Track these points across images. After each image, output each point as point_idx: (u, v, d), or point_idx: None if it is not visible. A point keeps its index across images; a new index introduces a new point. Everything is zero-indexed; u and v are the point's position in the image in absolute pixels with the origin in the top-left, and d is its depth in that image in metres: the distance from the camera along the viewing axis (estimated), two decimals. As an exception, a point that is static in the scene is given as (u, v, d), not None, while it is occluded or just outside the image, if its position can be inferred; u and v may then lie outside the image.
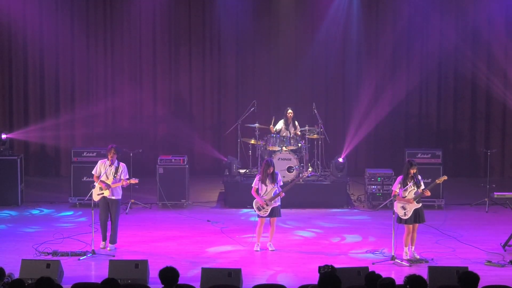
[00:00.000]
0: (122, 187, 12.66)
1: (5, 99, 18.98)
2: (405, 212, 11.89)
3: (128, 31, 18.87)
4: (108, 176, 12.45)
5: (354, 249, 12.71)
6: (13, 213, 15.24)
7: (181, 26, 18.92)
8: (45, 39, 18.71)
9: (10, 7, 18.57)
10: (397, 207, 11.96)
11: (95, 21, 18.83)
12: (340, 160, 16.29)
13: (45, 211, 15.41)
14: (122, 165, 12.60)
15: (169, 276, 7.79)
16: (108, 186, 12.40)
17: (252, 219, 12.92)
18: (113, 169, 12.48)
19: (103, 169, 12.53)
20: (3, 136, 16.13)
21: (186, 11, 18.89)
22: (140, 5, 18.76)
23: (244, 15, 18.82)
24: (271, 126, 16.51)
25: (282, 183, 12.73)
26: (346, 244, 13.02)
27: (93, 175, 12.71)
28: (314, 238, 13.41)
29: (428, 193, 11.95)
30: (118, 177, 12.47)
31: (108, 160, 12.53)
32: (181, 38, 18.95)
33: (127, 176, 12.59)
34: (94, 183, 12.45)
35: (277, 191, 12.45)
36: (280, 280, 10.48)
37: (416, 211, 11.91)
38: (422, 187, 11.91)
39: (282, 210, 12.92)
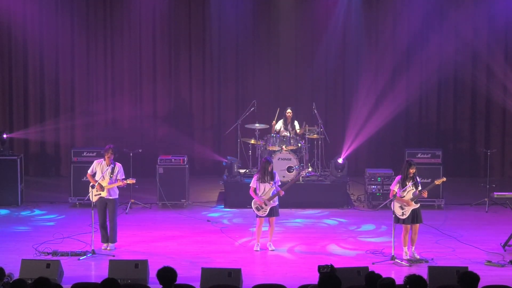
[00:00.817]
0: (121, 187, 12.66)
1: (5, 99, 18.98)
2: (403, 212, 11.89)
3: (128, 31, 18.86)
4: (104, 176, 12.44)
5: (354, 249, 12.71)
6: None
7: (181, 26, 18.91)
8: (45, 39, 18.69)
9: (10, 7, 18.55)
10: (395, 207, 11.96)
11: (95, 21, 18.82)
12: (340, 161, 16.28)
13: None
14: (118, 166, 12.59)
15: (167, 276, 7.78)
16: (102, 188, 12.39)
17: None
18: (109, 169, 12.48)
19: (99, 169, 12.53)
20: (4, 136, 16.15)
21: (186, 12, 18.88)
22: (140, 6, 18.75)
23: (244, 15, 18.82)
24: (273, 122, 16.53)
25: (280, 183, 12.74)
26: (346, 244, 13.02)
27: (87, 173, 12.70)
28: (314, 238, 13.41)
29: (426, 195, 11.94)
30: (114, 177, 12.47)
31: (105, 160, 12.54)
32: (181, 38, 18.94)
33: (123, 177, 12.59)
34: (93, 184, 12.44)
35: (275, 191, 12.45)
36: (280, 280, 10.47)
37: (413, 211, 11.91)
38: (420, 187, 11.91)
39: (282, 210, 12.95)
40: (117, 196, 12.63)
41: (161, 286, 7.80)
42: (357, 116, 18.96)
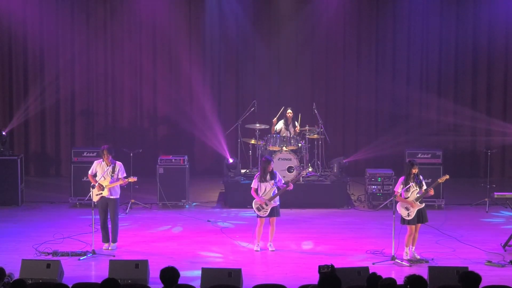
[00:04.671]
0: (122, 187, 12.66)
1: (6, 99, 18.96)
2: (408, 213, 11.87)
3: (128, 30, 18.85)
4: (105, 176, 12.43)
5: (354, 249, 12.71)
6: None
7: (181, 26, 18.90)
8: (45, 40, 18.67)
9: (10, 7, 18.53)
10: (400, 208, 11.93)
11: (95, 21, 18.81)
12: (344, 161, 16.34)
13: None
14: (119, 164, 12.58)
15: (170, 276, 7.80)
16: (102, 188, 12.36)
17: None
18: (110, 168, 12.47)
19: (100, 169, 12.52)
20: (3, 133, 16.14)
21: (187, 11, 18.88)
22: (140, 6, 18.74)
23: (244, 15, 18.81)
24: (274, 119, 16.56)
25: (283, 181, 12.71)
26: (346, 244, 13.02)
27: (88, 175, 12.70)
28: (314, 238, 13.41)
29: (432, 192, 11.95)
30: (115, 176, 12.46)
31: (103, 160, 12.53)
32: (181, 38, 18.92)
33: (125, 175, 12.56)
34: (93, 184, 12.43)
35: (276, 191, 12.45)
36: (280, 280, 10.47)
37: (419, 211, 11.89)
38: (425, 187, 11.90)
39: (282, 210, 12.95)
40: (118, 196, 12.61)
41: (162, 286, 7.81)
42: (357, 115, 18.98)
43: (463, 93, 18.95)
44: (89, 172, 12.66)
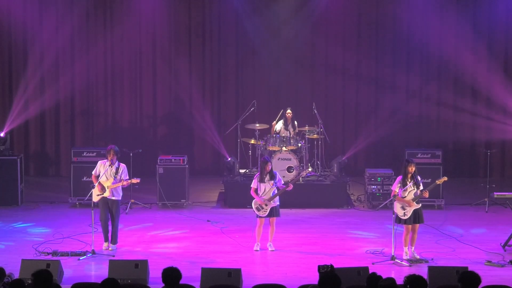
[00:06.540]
0: (122, 187, 12.64)
1: (5, 99, 18.96)
2: (404, 213, 11.88)
3: (128, 31, 18.83)
4: (107, 177, 12.41)
5: (354, 249, 12.71)
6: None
7: (181, 26, 18.91)
8: (44, 39, 18.65)
9: (10, 7, 18.54)
10: (397, 207, 11.95)
11: (95, 21, 18.80)
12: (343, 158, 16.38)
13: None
14: (123, 166, 12.56)
15: (172, 276, 7.80)
16: (103, 190, 12.34)
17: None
18: (113, 169, 12.44)
19: (103, 169, 12.49)
20: (2, 134, 16.13)
21: (186, 11, 18.88)
22: (140, 5, 18.73)
23: (244, 15, 18.81)
24: (274, 123, 16.58)
25: (282, 182, 12.71)
26: (346, 244, 13.03)
27: (92, 175, 12.68)
28: (314, 238, 13.42)
29: (427, 195, 11.93)
30: (118, 177, 12.44)
31: (108, 160, 12.51)
32: (181, 38, 18.93)
33: (127, 177, 12.54)
34: (94, 183, 12.42)
35: (275, 191, 12.45)
36: (280, 280, 10.47)
37: (415, 212, 11.90)
38: (421, 187, 11.90)
39: (282, 210, 12.95)
40: (120, 198, 12.58)
41: (162, 286, 7.81)
42: (357, 115, 18.97)
43: (463, 92, 18.92)
44: (93, 172, 12.63)
